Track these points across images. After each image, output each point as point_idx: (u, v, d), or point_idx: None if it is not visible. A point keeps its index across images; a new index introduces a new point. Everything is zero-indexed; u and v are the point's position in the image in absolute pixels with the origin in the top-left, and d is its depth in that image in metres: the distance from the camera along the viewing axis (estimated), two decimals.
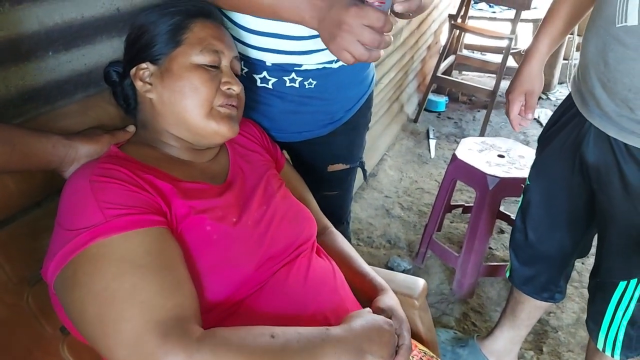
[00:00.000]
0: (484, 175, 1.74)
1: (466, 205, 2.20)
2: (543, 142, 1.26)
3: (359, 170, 1.28)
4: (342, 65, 1.03)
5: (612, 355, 1.26)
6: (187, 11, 0.83)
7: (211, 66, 0.82)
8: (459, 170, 1.83)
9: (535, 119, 3.35)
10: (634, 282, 1.12)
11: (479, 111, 3.46)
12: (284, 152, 1.14)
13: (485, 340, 1.61)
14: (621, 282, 1.14)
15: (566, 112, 1.18)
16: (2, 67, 0.74)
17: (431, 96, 3.33)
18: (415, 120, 3.23)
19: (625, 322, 1.20)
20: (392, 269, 1.86)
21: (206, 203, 0.78)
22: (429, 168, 2.78)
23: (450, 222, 2.32)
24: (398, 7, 0.77)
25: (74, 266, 0.65)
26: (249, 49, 0.99)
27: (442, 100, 3.35)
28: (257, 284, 0.78)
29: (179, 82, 0.80)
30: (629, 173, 1.02)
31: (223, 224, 0.77)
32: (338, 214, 1.31)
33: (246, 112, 0.96)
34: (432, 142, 3.00)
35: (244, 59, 1.00)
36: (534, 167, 1.30)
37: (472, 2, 3.38)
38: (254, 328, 0.69)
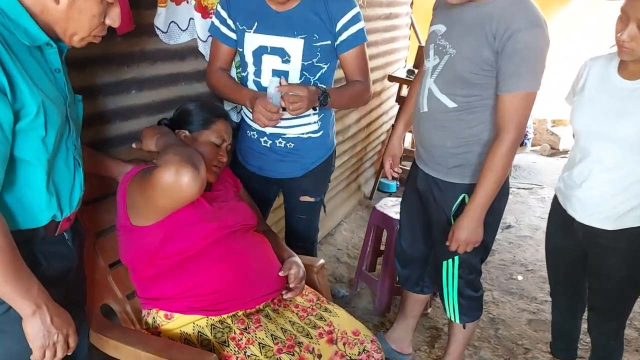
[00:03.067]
0: (391, 219, 2.49)
1: None
2: (405, 184, 2.05)
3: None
4: (310, 136, 1.83)
5: (456, 321, 1.92)
6: (217, 113, 1.61)
7: (217, 145, 1.59)
8: (377, 217, 2.60)
9: None
10: (451, 261, 1.83)
11: None
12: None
13: (387, 333, 2.25)
14: (444, 262, 1.84)
15: (413, 164, 1.97)
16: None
17: (384, 180, 4.16)
18: (371, 198, 4.04)
19: (455, 294, 1.88)
20: (334, 295, 2.55)
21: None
22: None
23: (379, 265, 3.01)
24: None
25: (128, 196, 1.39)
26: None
27: (393, 183, 4.19)
28: (216, 236, 1.50)
29: (199, 149, 1.53)
30: (435, 192, 1.79)
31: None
32: (307, 232, 2.08)
33: (253, 159, 1.85)
34: None
35: (256, 128, 1.79)
36: (401, 201, 2.07)
37: None
38: None
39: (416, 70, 3.85)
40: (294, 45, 1.67)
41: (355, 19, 1.70)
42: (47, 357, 1.08)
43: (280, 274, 1.55)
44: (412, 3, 4.40)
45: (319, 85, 1.71)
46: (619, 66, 1.60)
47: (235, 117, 2.10)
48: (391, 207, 2.63)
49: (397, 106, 4.00)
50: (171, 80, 1.79)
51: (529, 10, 1.51)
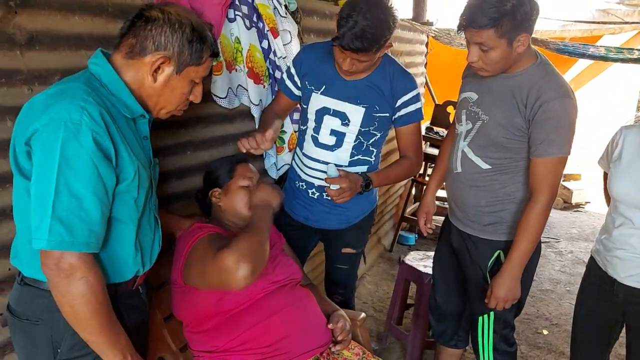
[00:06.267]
0: (420, 273, 2.56)
1: None
2: (438, 240, 2.13)
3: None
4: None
5: None
6: (234, 160, 1.71)
7: (247, 186, 1.69)
8: (406, 271, 2.66)
9: None
10: (486, 317, 1.88)
11: None
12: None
13: None
14: (479, 317, 1.90)
15: (446, 220, 2.06)
16: None
17: (403, 233, 4.24)
18: (391, 250, 4.10)
19: (490, 349, 1.92)
20: None
21: None
22: None
23: (409, 320, 3.04)
24: None
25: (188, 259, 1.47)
26: (308, 176, 1.91)
27: (412, 236, 4.26)
28: (267, 291, 1.58)
29: (236, 197, 1.65)
30: (470, 249, 1.87)
31: None
32: (345, 281, 2.16)
33: (300, 209, 1.93)
34: None
35: (305, 179, 1.92)
36: (434, 256, 2.15)
37: (429, 164, 4.47)
38: None
39: (435, 128, 4.02)
40: (356, 112, 1.82)
41: (415, 99, 1.86)
42: None
43: (330, 326, 1.62)
44: (426, 64, 4.64)
45: (362, 173, 1.86)
46: None
47: (274, 174, 2.22)
48: (419, 260, 2.69)
49: None
50: (221, 141, 1.93)
51: (557, 82, 1.64)
